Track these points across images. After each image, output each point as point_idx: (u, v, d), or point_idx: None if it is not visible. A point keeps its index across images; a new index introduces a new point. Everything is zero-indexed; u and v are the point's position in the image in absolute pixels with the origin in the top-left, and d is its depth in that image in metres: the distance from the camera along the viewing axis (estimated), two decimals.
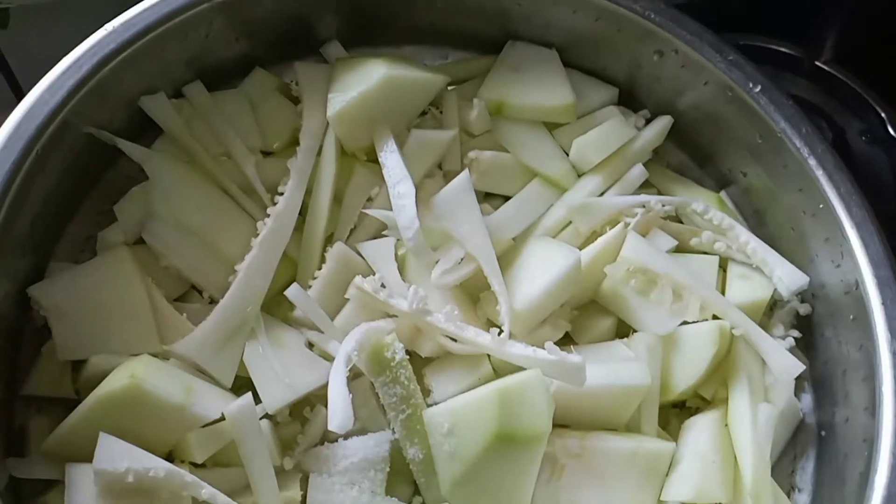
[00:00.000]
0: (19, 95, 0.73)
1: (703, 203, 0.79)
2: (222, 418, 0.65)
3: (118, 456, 0.59)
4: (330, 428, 0.60)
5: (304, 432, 0.68)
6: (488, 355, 0.71)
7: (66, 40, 0.67)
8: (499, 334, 0.69)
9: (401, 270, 0.75)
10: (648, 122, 0.85)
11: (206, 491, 0.60)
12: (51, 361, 0.67)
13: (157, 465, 0.59)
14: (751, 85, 0.74)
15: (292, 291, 0.70)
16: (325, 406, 0.67)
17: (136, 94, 0.73)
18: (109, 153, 0.74)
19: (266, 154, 0.79)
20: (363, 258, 0.75)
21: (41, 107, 0.63)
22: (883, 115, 0.92)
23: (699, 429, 0.71)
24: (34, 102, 0.63)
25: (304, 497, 0.66)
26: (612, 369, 0.69)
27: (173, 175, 0.73)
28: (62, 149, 0.67)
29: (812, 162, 0.71)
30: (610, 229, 0.77)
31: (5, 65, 0.87)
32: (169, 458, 0.63)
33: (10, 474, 0.62)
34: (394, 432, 0.68)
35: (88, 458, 0.59)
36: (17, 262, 0.66)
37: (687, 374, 0.72)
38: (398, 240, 0.76)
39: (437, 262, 0.73)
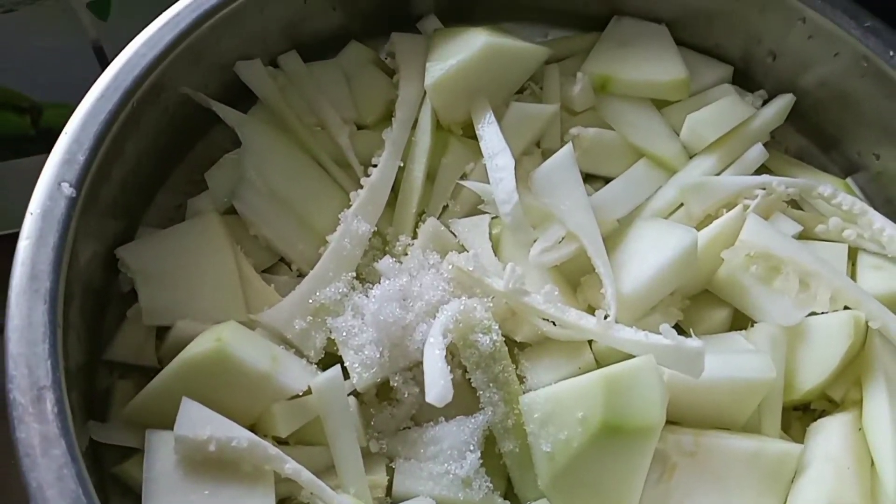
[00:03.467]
0: None
1: (830, 186, 0.71)
2: (308, 393, 0.61)
3: (201, 422, 0.55)
4: (428, 400, 0.55)
5: (393, 414, 0.64)
6: (590, 343, 0.65)
7: None
8: (605, 318, 0.63)
9: (495, 250, 0.70)
10: (765, 103, 0.78)
11: (290, 466, 0.56)
12: (135, 327, 0.65)
13: (241, 435, 0.56)
14: (891, 53, 0.67)
15: (383, 265, 0.67)
16: (416, 385, 0.63)
17: (231, 59, 0.72)
18: (203, 122, 0.73)
19: (360, 128, 0.76)
20: (455, 236, 0.71)
21: (138, 59, 0.61)
22: None
23: (829, 432, 0.64)
24: (132, 55, 0.61)
25: (391, 482, 0.62)
26: (731, 361, 0.63)
27: (267, 141, 0.71)
28: (158, 108, 0.66)
29: None
30: (726, 212, 0.70)
31: (104, 58, 0.85)
32: (252, 432, 0.59)
33: (91, 437, 0.59)
34: (486, 421, 0.63)
35: (170, 426, 0.56)
36: (107, 223, 0.64)
37: (815, 371, 0.65)
38: (493, 217, 0.72)
39: (535, 241, 0.68)
